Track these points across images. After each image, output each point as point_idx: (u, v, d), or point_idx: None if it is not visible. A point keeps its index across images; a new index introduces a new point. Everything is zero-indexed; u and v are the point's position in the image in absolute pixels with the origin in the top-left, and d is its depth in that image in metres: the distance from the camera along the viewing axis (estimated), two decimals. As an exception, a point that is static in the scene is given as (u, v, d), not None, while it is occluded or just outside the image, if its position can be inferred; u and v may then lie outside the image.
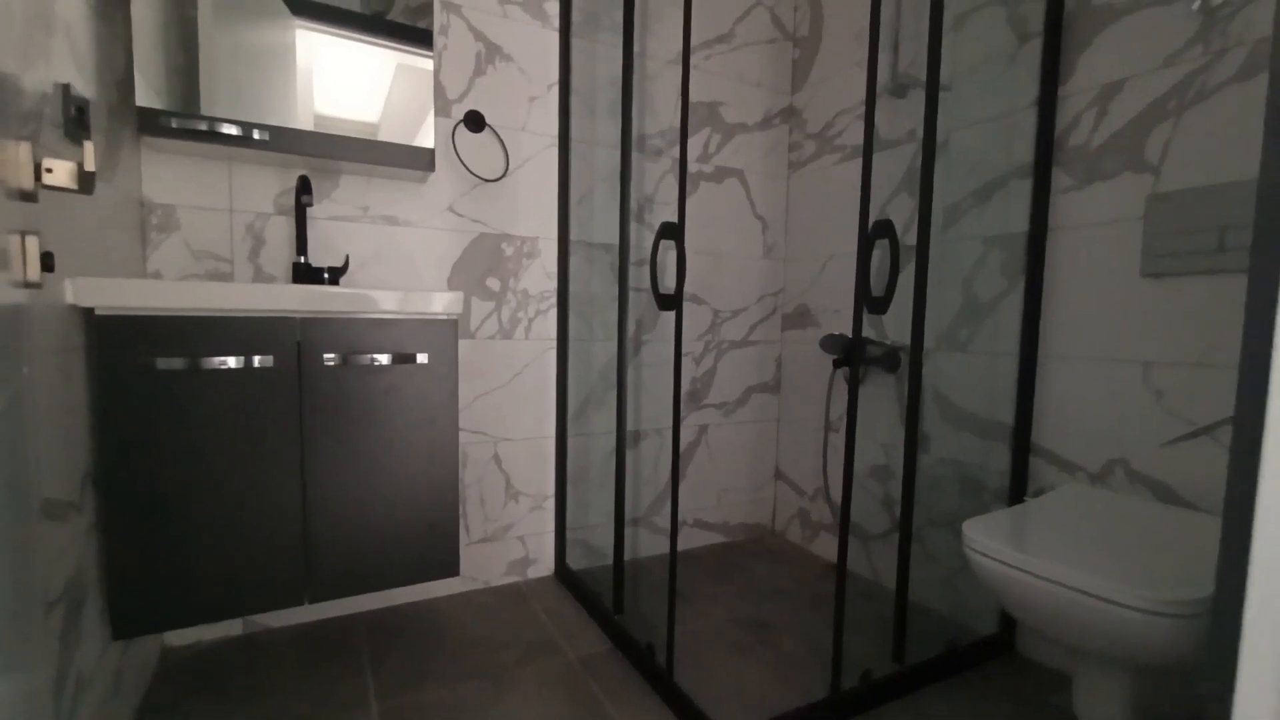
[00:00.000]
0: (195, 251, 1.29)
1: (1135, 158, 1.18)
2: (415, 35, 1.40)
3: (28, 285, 0.55)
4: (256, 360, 0.99)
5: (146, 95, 1.15)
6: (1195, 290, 1.10)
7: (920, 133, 1.59)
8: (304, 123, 1.31)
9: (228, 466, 1.00)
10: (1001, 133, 1.40)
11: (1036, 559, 0.87)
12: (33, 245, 0.54)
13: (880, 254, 1.60)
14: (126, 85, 1.15)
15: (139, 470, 0.94)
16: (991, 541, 0.94)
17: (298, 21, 1.33)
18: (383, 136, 1.38)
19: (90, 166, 0.54)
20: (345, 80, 1.35)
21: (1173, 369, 1.13)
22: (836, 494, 1.88)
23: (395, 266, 1.47)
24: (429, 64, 1.41)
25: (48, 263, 0.57)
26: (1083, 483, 1.27)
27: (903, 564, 1.30)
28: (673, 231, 1.21)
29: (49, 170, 0.55)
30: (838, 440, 1.86)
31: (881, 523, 1.72)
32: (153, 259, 1.25)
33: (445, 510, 1.19)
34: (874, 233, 1.15)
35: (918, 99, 1.60)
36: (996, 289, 1.42)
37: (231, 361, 0.98)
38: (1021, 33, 1.36)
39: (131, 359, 0.92)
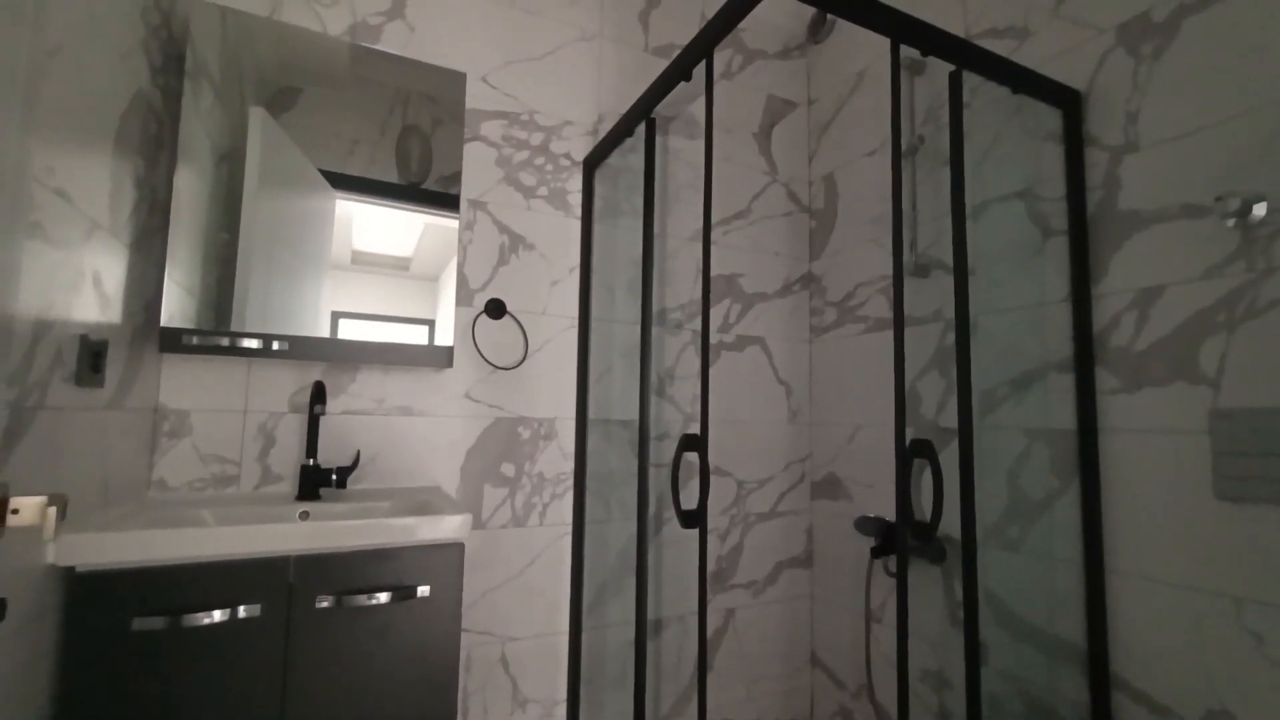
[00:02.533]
0: (204, 455, 1.25)
1: (1188, 367, 1.10)
2: (446, 201, 1.49)
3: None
4: (243, 611, 0.91)
5: (173, 309, 1.17)
6: (1283, 523, 0.98)
7: (946, 312, 1.55)
8: (341, 260, 1.38)
9: (198, 734, 0.89)
10: (1034, 323, 1.35)
11: None
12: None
13: (919, 469, 1.51)
14: (156, 303, 1.17)
15: (98, 746, 0.84)
16: None
17: (338, 194, 1.39)
18: (414, 270, 1.45)
19: (52, 530, 0.49)
20: (381, 228, 1.44)
21: (1272, 611, 0.98)
22: (883, 697, 1.66)
23: (408, 458, 1.42)
24: (454, 223, 1.49)
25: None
26: (1181, 737, 1.08)
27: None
28: (695, 444, 1.14)
29: (15, 511, 0.50)
30: (880, 631, 1.68)
31: (938, 741, 1.50)
32: (159, 466, 1.22)
33: (440, 764, 1.05)
34: (912, 451, 1.08)
35: (938, 278, 1.58)
36: (1046, 487, 1.31)
37: (217, 615, 0.90)
38: (1045, 228, 1.34)
39: (107, 622, 0.84)
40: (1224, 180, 1.07)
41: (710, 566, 1.77)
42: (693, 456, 1.57)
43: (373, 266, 1.42)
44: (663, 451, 1.71)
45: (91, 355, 0.90)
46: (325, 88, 1.38)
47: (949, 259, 1.54)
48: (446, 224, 1.48)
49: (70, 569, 0.84)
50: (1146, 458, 1.15)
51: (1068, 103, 1.27)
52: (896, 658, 1.00)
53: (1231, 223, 1.03)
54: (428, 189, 1.47)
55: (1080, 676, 1.22)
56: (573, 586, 1.58)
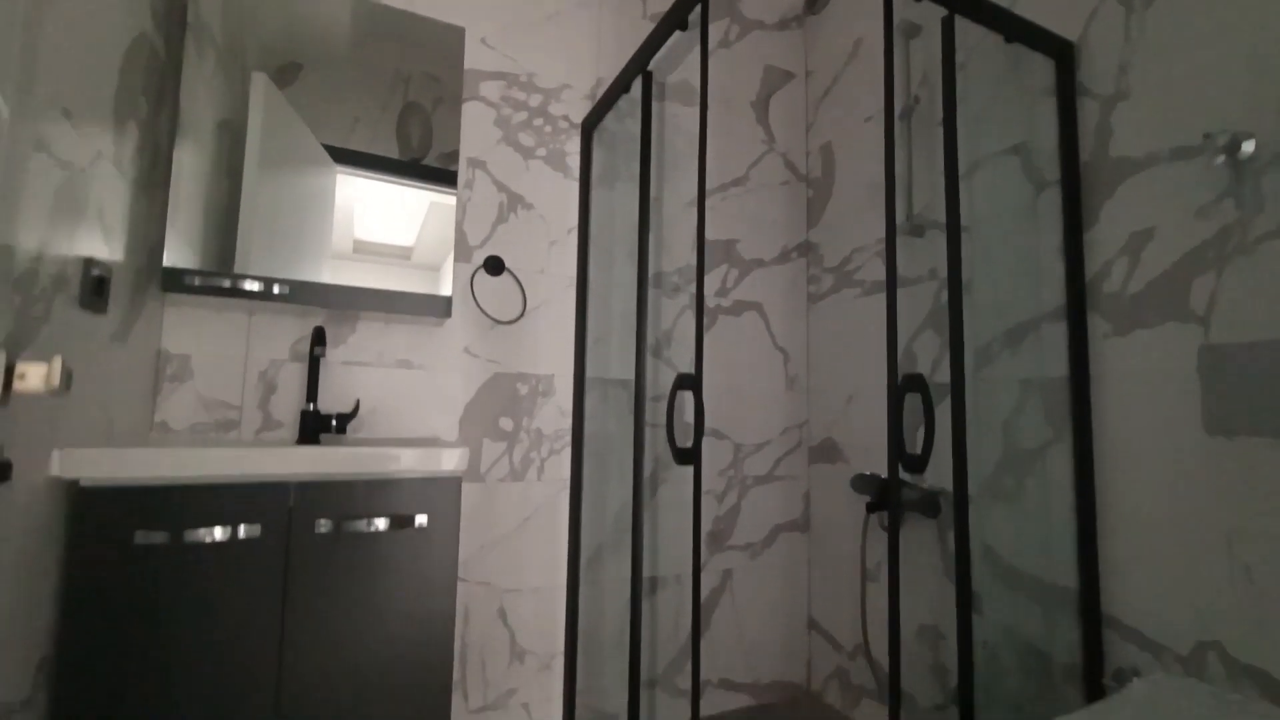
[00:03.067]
0: (206, 401, 1.27)
1: (1178, 307, 1.11)
2: (446, 177, 1.49)
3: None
4: (243, 530, 0.93)
5: (175, 255, 1.19)
6: (1275, 451, 0.99)
7: (940, 271, 1.56)
8: (343, 249, 1.38)
9: (196, 650, 0.90)
10: (1028, 275, 1.36)
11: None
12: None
13: (912, 407, 1.52)
14: (159, 248, 1.19)
15: (99, 657, 0.85)
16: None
17: (339, 168, 1.40)
18: (415, 259, 1.44)
19: (57, 379, 0.51)
20: (383, 212, 1.43)
21: (1262, 542, 0.99)
22: (879, 654, 1.67)
23: (407, 410, 1.44)
24: (455, 201, 1.49)
25: (4, 473, 0.52)
26: (1171, 669, 1.09)
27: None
28: (690, 382, 1.16)
29: (21, 377, 0.52)
30: (876, 590, 1.69)
31: (932, 693, 1.51)
32: (162, 409, 1.24)
33: (436, 699, 1.06)
34: (904, 386, 1.09)
35: (934, 238, 1.59)
36: (1041, 437, 1.32)
37: (218, 533, 0.91)
38: (1038, 181, 1.35)
39: (110, 535, 0.86)
40: (1213, 124, 1.09)
41: (707, 526, 1.78)
42: (689, 418, 1.58)
43: (375, 256, 1.42)
44: (659, 413, 1.73)
45: (95, 281, 0.92)
46: (326, 69, 1.39)
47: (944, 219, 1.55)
48: (448, 203, 1.48)
49: (75, 482, 0.86)
50: (1138, 398, 1.16)
51: (1060, 53, 1.29)
52: (888, 601, 1.00)
53: (1221, 159, 1.04)
54: (429, 165, 1.48)
55: (1073, 620, 1.23)
56: (570, 543, 1.59)
